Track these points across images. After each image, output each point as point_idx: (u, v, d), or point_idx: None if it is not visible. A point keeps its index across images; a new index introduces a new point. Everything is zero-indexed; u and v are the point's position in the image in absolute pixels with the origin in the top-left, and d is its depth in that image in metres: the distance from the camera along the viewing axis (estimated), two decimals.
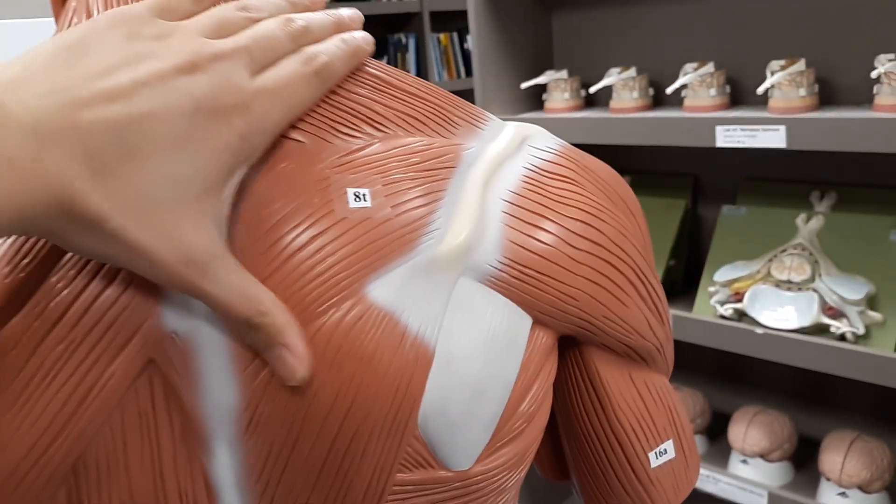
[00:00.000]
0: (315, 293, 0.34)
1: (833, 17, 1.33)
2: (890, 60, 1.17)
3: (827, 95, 1.35)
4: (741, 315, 1.36)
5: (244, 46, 0.34)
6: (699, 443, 1.59)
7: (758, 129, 1.23)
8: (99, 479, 0.35)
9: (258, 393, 0.34)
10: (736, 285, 1.37)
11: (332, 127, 0.37)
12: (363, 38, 0.39)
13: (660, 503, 0.45)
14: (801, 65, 1.25)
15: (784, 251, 1.37)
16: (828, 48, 1.34)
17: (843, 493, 1.35)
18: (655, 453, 0.44)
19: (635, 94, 1.46)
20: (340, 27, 0.39)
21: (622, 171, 1.69)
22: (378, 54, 3.45)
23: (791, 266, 1.34)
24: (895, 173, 1.35)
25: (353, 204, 0.36)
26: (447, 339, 0.36)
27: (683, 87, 1.39)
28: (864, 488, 1.33)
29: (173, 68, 0.32)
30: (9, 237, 0.35)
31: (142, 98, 0.31)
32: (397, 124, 0.39)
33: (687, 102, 1.40)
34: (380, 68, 0.40)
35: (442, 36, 3.75)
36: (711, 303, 1.40)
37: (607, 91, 1.56)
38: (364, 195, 0.36)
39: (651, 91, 1.50)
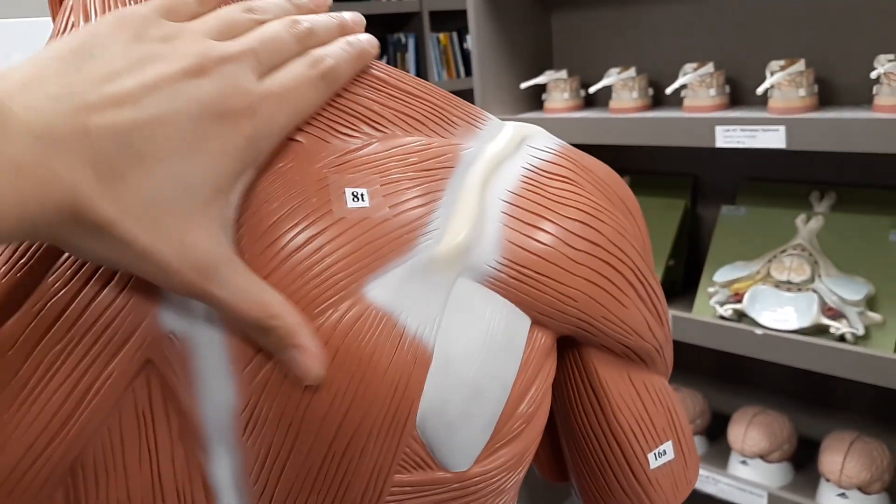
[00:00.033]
0: (313, 293, 0.34)
1: (833, 17, 1.33)
2: (889, 61, 1.17)
3: (826, 96, 1.35)
4: (741, 315, 1.36)
5: (251, 49, 0.34)
6: (699, 443, 1.59)
7: (757, 129, 1.23)
8: (97, 480, 0.35)
9: (256, 393, 0.34)
10: (735, 286, 1.37)
11: (330, 127, 0.37)
12: (368, 41, 0.39)
13: None
14: (800, 65, 1.25)
15: (784, 251, 1.37)
16: (827, 48, 1.34)
17: (842, 494, 1.34)
18: (654, 454, 0.44)
19: (635, 95, 1.46)
20: (344, 29, 0.39)
21: (622, 172, 1.69)
22: (378, 54, 3.45)
23: (791, 266, 1.33)
24: (895, 174, 1.35)
25: (351, 204, 0.35)
26: (445, 339, 0.36)
27: (683, 87, 1.39)
28: (863, 489, 1.33)
29: (180, 71, 0.32)
30: (15, 243, 0.34)
31: (149, 102, 0.31)
32: (395, 124, 0.39)
33: (686, 102, 1.40)
34: (378, 68, 0.40)
35: (441, 36, 3.75)
36: (711, 303, 1.40)
37: (607, 91, 1.56)
38: (362, 195, 0.36)
39: (650, 91, 1.50)
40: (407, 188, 0.37)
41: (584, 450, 0.45)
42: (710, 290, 1.41)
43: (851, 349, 1.21)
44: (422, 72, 3.64)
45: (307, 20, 0.37)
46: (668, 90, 1.36)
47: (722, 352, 1.54)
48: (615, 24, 1.60)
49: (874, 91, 1.21)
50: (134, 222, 0.30)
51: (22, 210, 0.27)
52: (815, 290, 1.29)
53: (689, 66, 1.39)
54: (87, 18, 0.38)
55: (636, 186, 1.65)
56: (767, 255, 1.38)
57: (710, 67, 1.37)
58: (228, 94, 0.33)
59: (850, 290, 1.25)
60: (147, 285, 0.34)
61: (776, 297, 1.32)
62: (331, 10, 0.41)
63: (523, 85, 1.59)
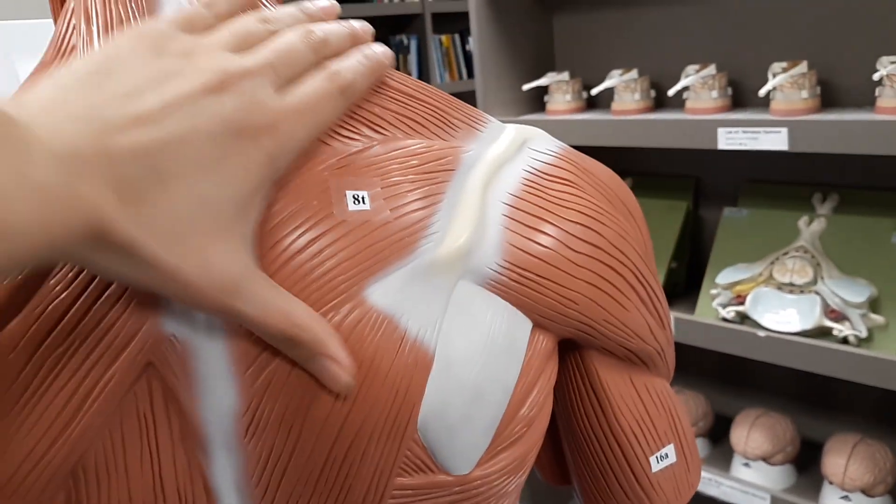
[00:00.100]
0: (314, 296, 0.34)
1: (835, 19, 1.33)
2: (892, 62, 1.17)
3: (829, 98, 1.35)
4: (743, 318, 1.36)
5: (269, 62, 0.34)
6: (701, 446, 1.59)
7: (759, 131, 1.23)
8: (98, 483, 0.35)
9: (258, 396, 0.34)
10: (738, 288, 1.37)
11: (331, 129, 0.37)
12: (384, 53, 0.39)
13: None
14: (802, 67, 1.25)
15: (786, 253, 1.36)
16: (830, 50, 1.34)
17: (845, 497, 1.34)
18: (656, 457, 0.44)
19: (637, 96, 1.46)
20: (356, 38, 0.39)
21: (623, 173, 1.69)
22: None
23: (793, 268, 1.33)
24: None
25: (351, 207, 0.35)
26: (446, 342, 0.36)
27: (685, 89, 1.39)
28: (867, 492, 1.33)
29: (200, 88, 0.32)
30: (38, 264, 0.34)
31: (171, 121, 0.31)
32: (396, 127, 0.38)
33: (689, 104, 1.40)
34: None
35: (444, 37, 3.75)
36: (713, 305, 1.40)
37: (609, 93, 1.56)
38: (363, 198, 0.36)
39: (653, 93, 1.50)
40: (408, 191, 0.37)
41: (585, 453, 0.45)
42: (713, 292, 1.41)
43: (854, 351, 1.21)
44: (424, 73, 3.64)
45: (321, 30, 0.37)
46: (671, 92, 1.36)
47: (724, 354, 1.53)
48: (617, 25, 1.60)
49: (876, 93, 1.20)
50: (157, 242, 0.30)
51: (46, 233, 0.27)
52: (817, 292, 1.29)
53: (691, 68, 1.39)
54: (88, 21, 0.38)
55: (638, 188, 1.65)
56: (770, 257, 1.37)
57: (712, 69, 1.37)
58: (249, 110, 0.33)
59: (853, 293, 1.25)
60: None
61: (779, 299, 1.32)
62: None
63: (525, 87, 1.59)
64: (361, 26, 0.39)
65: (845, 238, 1.34)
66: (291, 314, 0.33)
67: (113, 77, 0.31)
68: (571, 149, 0.43)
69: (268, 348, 0.34)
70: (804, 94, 1.25)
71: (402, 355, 0.35)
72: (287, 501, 0.36)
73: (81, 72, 0.31)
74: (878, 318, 1.24)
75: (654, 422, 0.44)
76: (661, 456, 0.44)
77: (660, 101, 1.55)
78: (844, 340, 1.26)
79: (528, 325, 0.39)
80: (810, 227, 1.37)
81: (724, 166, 1.55)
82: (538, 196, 0.39)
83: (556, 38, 1.72)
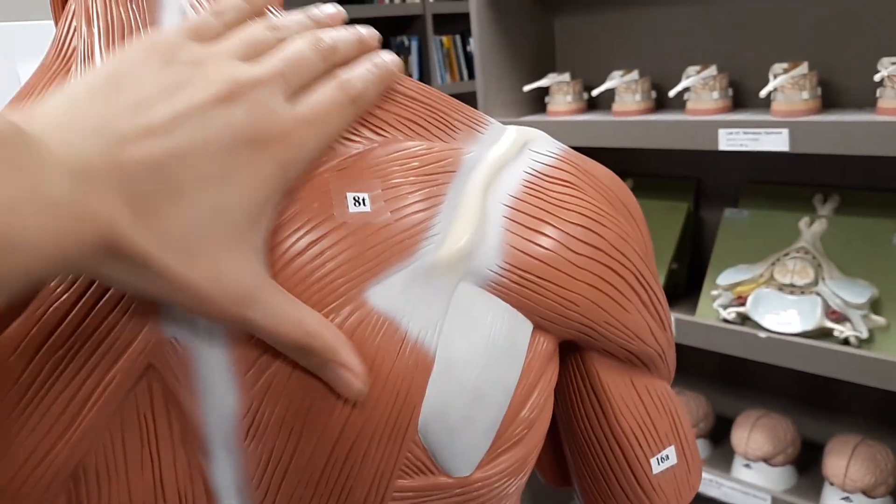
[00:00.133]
0: (314, 298, 0.34)
1: (836, 19, 1.33)
2: (893, 63, 1.17)
3: (830, 98, 1.35)
4: (744, 319, 1.36)
5: (279, 71, 0.34)
6: (702, 447, 1.59)
7: (760, 132, 1.23)
8: (99, 485, 0.35)
9: (258, 398, 0.34)
10: (739, 289, 1.37)
11: None
12: (393, 62, 0.39)
13: None
14: (803, 68, 1.25)
15: (787, 254, 1.36)
16: (831, 51, 1.34)
17: (846, 498, 1.34)
18: (657, 459, 0.44)
19: (638, 97, 1.46)
20: (363, 45, 0.39)
21: (624, 175, 1.69)
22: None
23: (794, 269, 1.33)
24: None
25: (352, 209, 0.35)
26: (447, 344, 0.36)
27: (686, 90, 1.39)
28: (867, 493, 1.33)
29: (211, 98, 0.32)
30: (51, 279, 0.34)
31: (182, 132, 0.31)
32: (397, 128, 0.38)
33: (689, 105, 1.40)
34: None
35: (445, 38, 3.75)
36: (714, 306, 1.40)
37: (610, 94, 1.56)
38: (363, 200, 0.36)
39: (653, 94, 1.50)
40: (408, 193, 0.37)
41: (586, 455, 0.45)
42: (714, 293, 1.40)
43: (855, 352, 1.21)
44: (425, 74, 3.64)
45: (329, 37, 0.37)
46: (671, 93, 1.36)
47: (725, 355, 1.53)
48: (618, 26, 1.60)
49: (877, 94, 1.20)
50: (169, 254, 0.30)
51: (59, 247, 0.27)
52: (818, 293, 1.29)
53: (692, 69, 1.39)
54: (89, 22, 0.38)
55: (639, 189, 1.65)
56: (771, 258, 1.37)
57: (713, 70, 1.37)
58: (260, 120, 0.33)
59: (854, 294, 1.25)
60: None
61: (779, 300, 1.32)
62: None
63: (526, 88, 1.59)
64: (369, 32, 0.39)
65: (846, 239, 1.34)
66: (303, 323, 0.33)
67: (124, 88, 0.31)
68: (572, 150, 0.43)
69: (268, 351, 0.34)
70: (805, 95, 1.25)
71: (402, 357, 0.35)
72: (288, 503, 0.36)
73: (92, 84, 0.31)
74: (879, 319, 1.24)
75: (654, 423, 0.44)
76: (661, 458, 0.44)
77: (660, 102, 1.55)
78: (845, 341, 1.26)
79: (529, 326, 0.39)
80: (811, 228, 1.37)
81: (724, 167, 1.55)
82: (539, 198, 0.39)
83: (557, 39, 1.72)
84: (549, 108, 1.59)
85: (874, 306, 1.27)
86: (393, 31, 3.65)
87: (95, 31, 0.38)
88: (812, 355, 1.24)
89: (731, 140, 1.26)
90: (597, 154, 1.65)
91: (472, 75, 3.84)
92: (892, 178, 1.35)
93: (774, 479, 1.44)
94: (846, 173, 1.40)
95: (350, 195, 0.36)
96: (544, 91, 1.67)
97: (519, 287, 0.38)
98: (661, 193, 1.61)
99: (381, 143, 0.38)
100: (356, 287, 0.35)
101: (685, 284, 1.59)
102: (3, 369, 0.33)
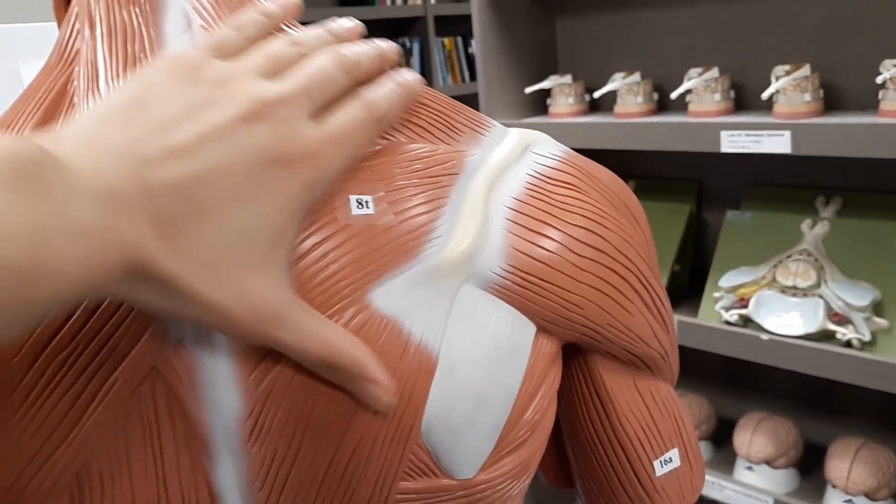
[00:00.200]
0: (318, 300, 0.34)
1: (838, 22, 1.33)
2: (895, 65, 1.17)
3: (832, 101, 1.35)
4: (746, 321, 1.35)
5: (304, 88, 0.34)
6: (704, 449, 1.58)
7: (762, 134, 1.23)
8: (102, 487, 0.35)
9: (261, 400, 0.34)
10: (741, 291, 1.37)
11: None
12: (415, 81, 0.38)
13: None
14: (805, 70, 1.25)
15: (789, 257, 1.36)
16: (833, 53, 1.34)
17: (849, 501, 1.34)
18: (660, 462, 0.44)
19: (640, 99, 1.46)
20: (384, 59, 0.38)
21: (626, 177, 1.69)
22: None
23: (796, 272, 1.33)
24: None
25: (356, 211, 0.35)
26: (450, 346, 0.36)
27: (688, 91, 1.39)
28: (870, 496, 1.33)
29: (235, 118, 0.32)
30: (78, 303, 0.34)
31: (207, 153, 0.31)
32: (400, 131, 0.39)
33: (691, 107, 1.39)
34: None
35: (446, 40, 3.75)
36: (716, 308, 1.40)
37: (612, 96, 1.56)
38: (367, 202, 0.36)
39: (655, 96, 1.50)
40: (412, 195, 0.37)
41: (589, 457, 0.45)
42: (716, 295, 1.40)
43: (858, 355, 1.20)
44: (426, 76, 3.64)
45: (352, 52, 0.37)
46: (673, 95, 1.36)
47: (727, 357, 1.53)
48: (620, 28, 1.60)
49: (880, 96, 1.20)
50: (195, 275, 0.30)
51: (89, 272, 0.27)
52: (821, 296, 1.29)
53: (693, 71, 1.39)
54: (91, 25, 0.38)
55: (641, 191, 1.65)
56: (773, 260, 1.37)
57: (714, 72, 1.37)
58: (285, 139, 0.32)
59: (857, 296, 1.25)
60: None
61: (782, 303, 1.32)
62: (337, 16, 0.40)
63: (528, 90, 1.59)
64: (389, 47, 0.39)
65: (849, 241, 1.34)
66: (331, 341, 0.33)
67: (148, 109, 0.31)
68: (574, 153, 0.43)
69: (271, 353, 0.34)
70: (807, 97, 1.25)
71: (406, 359, 0.35)
72: None
73: (117, 105, 0.31)
74: (881, 322, 1.24)
75: (658, 426, 0.44)
76: (665, 460, 0.44)
77: (662, 104, 1.55)
78: (848, 344, 1.26)
79: (532, 329, 0.38)
80: (813, 231, 1.37)
81: (727, 169, 1.55)
82: (542, 200, 0.39)
83: (559, 40, 1.72)
84: (551, 109, 1.59)
85: (877, 309, 1.26)
86: (394, 32, 3.65)
87: (98, 33, 0.38)
88: (814, 358, 1.24)
89: (733, 142, 1.26)
90: (599, 156, 1.65)
91: (473, 77, 3.85)
92: (895, 180, 1.35)
93: (777, 481, 1.44)
94: (848, 175, 1.40)
95: (353, 197, 0.36)
96: (546, 93, 1.67)
97: (522, 289, 0.38)
98: (663, 195, 1.61)
99: (385, 145, 0.38)
100: (360, 289, 0.35)
101: (687, 286, 1.59)
102: (6, 371, 0.33)
